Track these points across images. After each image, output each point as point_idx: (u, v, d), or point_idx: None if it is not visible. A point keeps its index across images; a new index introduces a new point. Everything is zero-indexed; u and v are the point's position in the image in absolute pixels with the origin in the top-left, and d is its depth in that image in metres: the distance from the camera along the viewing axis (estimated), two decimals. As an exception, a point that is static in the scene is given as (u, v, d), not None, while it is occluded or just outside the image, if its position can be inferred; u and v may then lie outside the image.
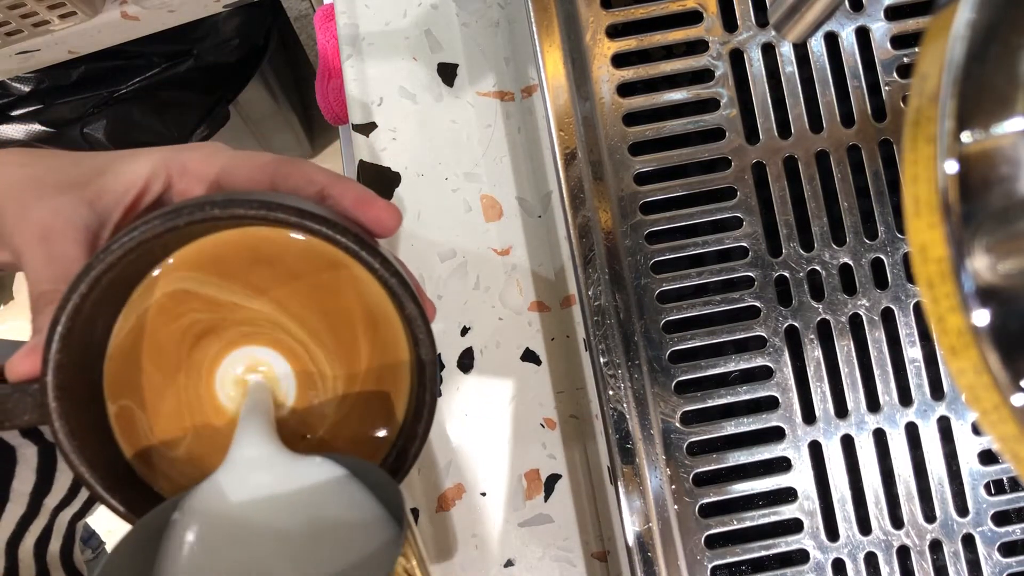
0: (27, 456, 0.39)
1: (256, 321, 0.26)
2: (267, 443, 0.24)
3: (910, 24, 0.38)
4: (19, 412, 0.23)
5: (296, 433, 0.26)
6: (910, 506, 0.36)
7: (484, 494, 0.40)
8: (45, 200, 0.24)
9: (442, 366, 0.41)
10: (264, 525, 0.23)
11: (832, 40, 0.38)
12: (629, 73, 0.38)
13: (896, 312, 0.37)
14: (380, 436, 0.27)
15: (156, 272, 0.25)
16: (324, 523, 0.23)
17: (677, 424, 0.36)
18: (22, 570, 0.37)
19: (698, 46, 0.39)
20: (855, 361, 0.37)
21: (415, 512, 0.40)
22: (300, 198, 0.25)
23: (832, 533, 0.36)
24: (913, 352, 0.37)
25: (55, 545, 0.41)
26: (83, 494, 0.44)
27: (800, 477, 0.36)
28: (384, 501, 0.24)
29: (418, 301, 0.25)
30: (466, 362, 0.41)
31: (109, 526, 0.77)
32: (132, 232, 0.22)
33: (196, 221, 0.23)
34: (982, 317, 0.15)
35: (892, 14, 0.38)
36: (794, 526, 0.36)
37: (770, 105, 0.38)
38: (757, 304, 0.37)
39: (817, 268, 0.37)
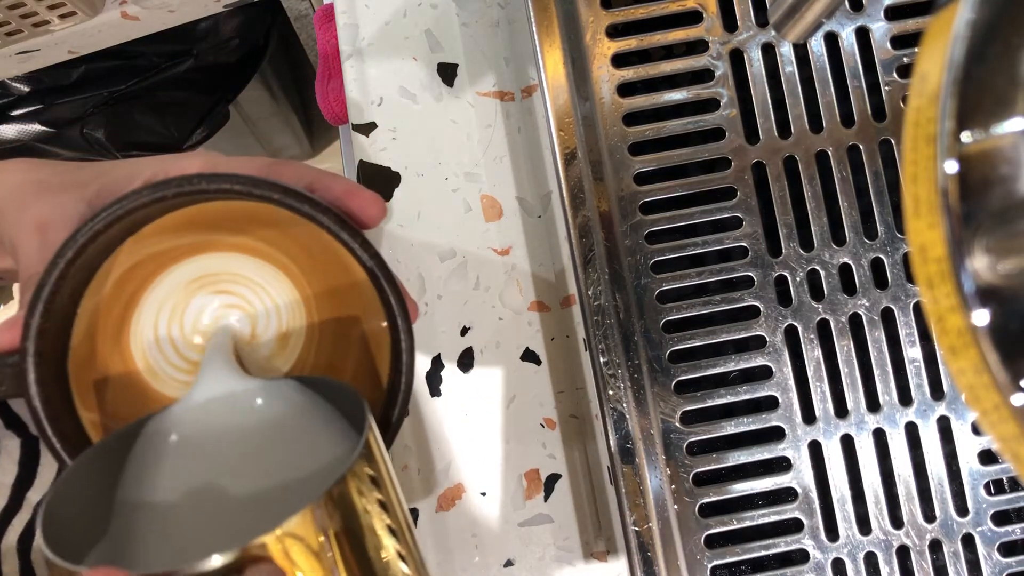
0: (9, 448, 0.39)
1: (225, 272, 0.26)
2: (230, 369, 0.24)
3: (910, 24, 0.38)
4: None
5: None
6: (910, 506, 0.36)
7: (484, 494, 0.40)
8: (46, 198, 0.25)
9: (442, 366, 0.41)
10: (227, 440, 0.23)
11: (832, 40, 0.38)
12: (629, 73, 0.38)
13: (896, 312, 0.37)
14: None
15: (134, 239, 0.25)
16: (286, 436, 0.24)
17: (677, 424, 0.36)
18: (5, 565, 0.37)
19: (698, 46, 0.39)
20: (855, 361, 0.37)
21: (415, 512, 0.40)
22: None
23: (832, 533, 0.36)
24: (913, 352, 0.37)
25: (39, 541, 0.40)
26: None
27: (800, 477, 0.36)
28: (350, 416, 0.24)
29: (396, 281, 0.25)
30: (466, 362, 0.41)
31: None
32: (121, 202, 0.23)
33: (184, 193, 0.23)
34: (982, 317, 0.15)
35: (892, 14, 0.38)
36: (794, 526, 0.36)
37: (770, 105, 0.38)
38: (757, 304, 0.37)
39: (817, 268, 0.37)
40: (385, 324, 0.26)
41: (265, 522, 0.18)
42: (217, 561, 0.17)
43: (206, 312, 0.26)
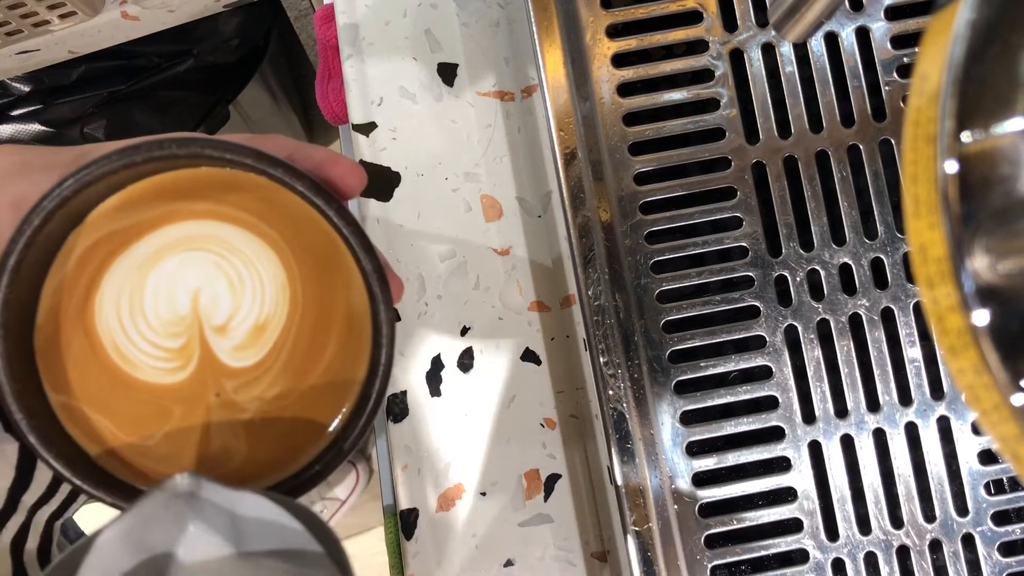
0: (6, 452, 0.39)
1: (203, 236, 0.25)
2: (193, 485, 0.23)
3: (910, 24, 0.38)
4: None
5: (241, 391, 0.26)
6: (910, 506, 0.36)
7: (484, 494, 0.40)
8: (25, 176, 0.25)
9: (442, 366, 0.41)
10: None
11: (832, 40, 0.38)
12: (629, 73, 0.38)
13: (896, 312, 0.37)
14: (335, 393, 0.26)
15: (98, 211, 0.24)
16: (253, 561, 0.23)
17: (677, 424, 0.36)
18: None
19: (698, 46, 0.39)
20: (855, 361, 0.37)
21: (415, 512, 0.40)
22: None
23: (832, 533, 0.36)
24: (913, 352, 0.37)
25: (32, 544, 0.40)
26: (61, 493, 0.43)
27: (800, 477, 0.36)
28: (325, 542, 0.23)
29: (373, 250, 0.24)
30: (466, 362, 0.41)
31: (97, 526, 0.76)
32: (89, 167, 0.22)
33: (154, 158, 0.23)
34: (982, 317, 0.15)
35: (892, 14, 0.38)
36: (794, 526, 0.36)
37: (770, 105, 0.38)
38: (757, 304, 0.37)
39: (817, 268, 0.37)
40: (366, 296, 0.26)
41: None
42: None
43: (179, 277, 0.25)
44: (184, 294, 0.25)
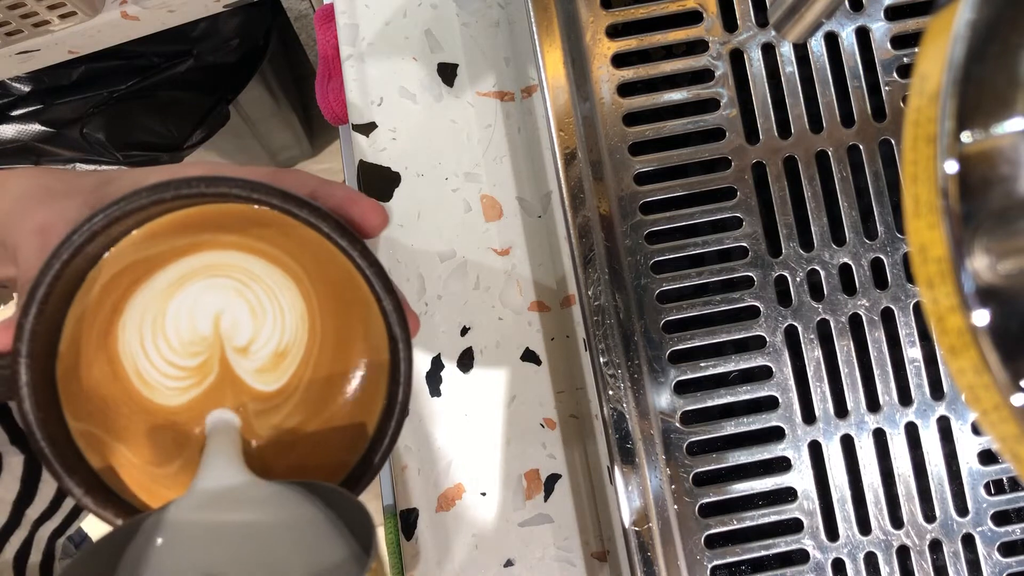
0: (12, 464, 0.39)
1: (226, 264, 0.25)
2: (235, 467, 0.24)
3: (910, 24, 0.38)
4: None
5: (261, 422, 0.26)
6: (910, 506, 0.36)
7: (484, 494, 0.40)
8: (49, 203, 0.25)
9: (442, 366, 0.41)
10: (224, 542, 0.23)
11: (832, 40, 0.38)
12: (629, 73, 0.38)
13: (896, 312, 0.37)
14: (350, 428, 0.27)
15: (124, 242, 0.25)
16: (286, 540, 0.23)
17: (677, 424, 0.36)
18: None
19: (698, 46, 0.39)
20: (855, 361, 0.37)
21: (415, 512, 0.40)
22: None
23: (832, 533, 0.36)
24: (913, 352, 0.37)
25: (35, 559, 0.40)
26: (64, 509, 0.43)
27: (800, 477, 0.36)
28: (354, 528, 0.24)
29: (394, 291, 0.25)
30: (466, 362, 0.41)
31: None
32: (119, 203, 0.23)
33: (183, 195, 0.23)
34: (982, 317, 0.15)
35: (892, 14, 0.38)
36: (794, 526, 0.36)
37: (770, 105, 0.38)
38: (757, 304, 0.37)
39: (817, 268, 0.37)
40: (384, 334, 0.26)
41: None
42: None
43: (202, 302, 0.25)
44: (205, 317, 0.25)
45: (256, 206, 0.25)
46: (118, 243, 0.25)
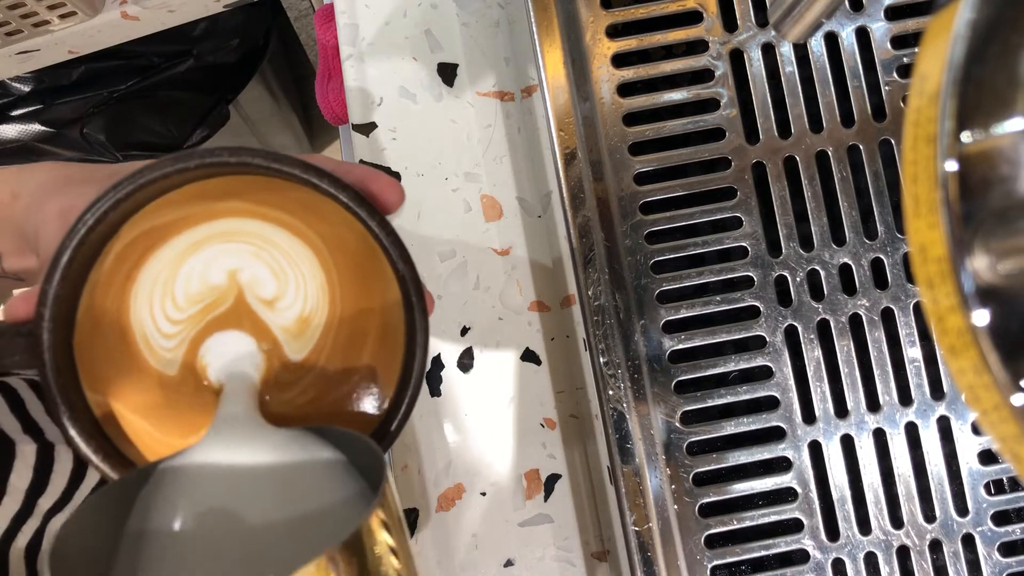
0: (25, 452, 0.39)
1: (244, 232, 0.25)
2: (248, 412, 0.24)
3: (910, 24, 0.38)
4: (9, 352, 0.23)
5: (278, 385, 0.26)
6: (910, 506, 0.36)
7: (484, 494, 0.40)
8: (70, 188, 0.26)
9: (442, 366, 0.41)
10: (239, 485, 0.23)
11: (832, 40, 0.38)
12: (629, 73, 0.38)
13: (896, 312, 0.37)
14: (367, 399, 0.27)
15: (141, 213, 0.25)
16: (299, 483, 0.24)
17: (677, 424, 0.36)
18: (12, 572, 0.37)
19: (698, 46, 0.39)
20: (855, 361, 0.37)
21: (415, 512, 0.40)
22: None
23: (832, 533, 0.36)
24: (913, 352, 0.37)
25: (46, 548, 0.40)
26: (75, 500, 0.43)
27: (800, 477, 0.36)
28: (364, 467, 0.24)
29: (411, 262, 0.25)
30: (466, 362, 0.41)
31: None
32: (143, 171, 0.23)
33: (205, 165, 0.23)
34: (982, 317, 0.15)
35: (892, 14, 0.38)
36: (794, 526, 0.36)
37: (770, 105, 0.38)
38: (757, 304, 0.37)
39: (817, 268, 0.37)
40: (401, 305, 0.26)
41: (277, 566, 0.17)
42: None
43: (216, 263, 0.25)
44: (219, 272, 0.25)
45: (277, 177, 0.25)
46: (138, 212, 0.25)
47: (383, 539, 0.20)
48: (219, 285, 0.25)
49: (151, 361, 0.25)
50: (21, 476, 0.39)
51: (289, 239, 0.26)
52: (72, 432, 0.24)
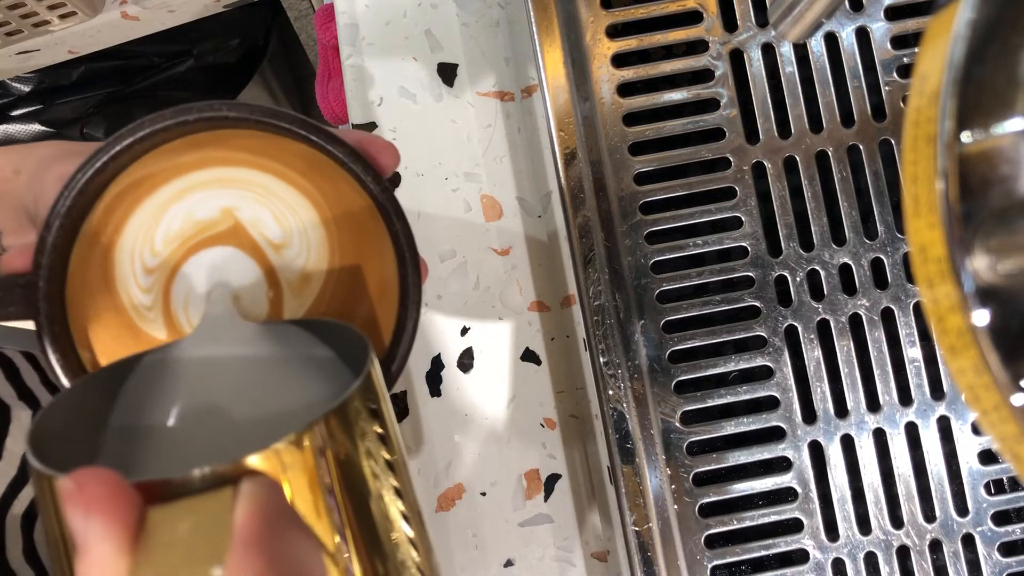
0: (22, 418, 0.39)
1: (242, 179, 0.26)
2: (232, 311, 0.24)
3: (910, 24, 0.38)
4: (6, 303, 0.23)
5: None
6: (910, 506, 0.36)
7: (484, 494, 0.40)
8: (70, 158, 0.26)
9: (442, 366, 0.41)
10: (226, 375, 0.23)
11: (832, 40, 0.38)
12: (629, 73, 0.38)
13: (896, 312, 0.37)
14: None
15: (139, 161, 0.25)
16: (286, 372, 0.24)
17: (677, 424, 0.36)
18: (9, 539, 0.36)
19: (698, 46, 0.39)
20: (855, 361, 0.37)
21: (415, 512, 0.40)
22: None
23: (832, 533, 0.36)
24: (913, 352, 0.37)
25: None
26: None
27: (800, 477, 0.36)
28: (350, 355, 0.24)
29: (406, 219, 0.25)
30: (466, 362, 0.41)
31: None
32: (142, 123, 0.23)
33: (205, 119, 0.23)
34: (982, 317, 0.15)
35: (892, 14, 0.38)
36: (794, 526, 0.36)
37: (770, 105, 0.38)
38: (757, 304, 0.37)
39: (817, 268, 0.37)
40: (395, 262, 0.26)
41: (263, 443, 0.17)
42: (212, 469, 0.17)
43: (207, 203, 0.25)
44: (211, 209, 0.25)
45: (276, 133, 0.25)
46: (134, 164, 0.25)
47: (370, 425, 0.20)
48: (211, 218, 0.25)
49: (135, 323, 0.25)
50: (17, 441, 0.38)
51: (288, 190, 0.26)
52: (66, 383, 0.24)
